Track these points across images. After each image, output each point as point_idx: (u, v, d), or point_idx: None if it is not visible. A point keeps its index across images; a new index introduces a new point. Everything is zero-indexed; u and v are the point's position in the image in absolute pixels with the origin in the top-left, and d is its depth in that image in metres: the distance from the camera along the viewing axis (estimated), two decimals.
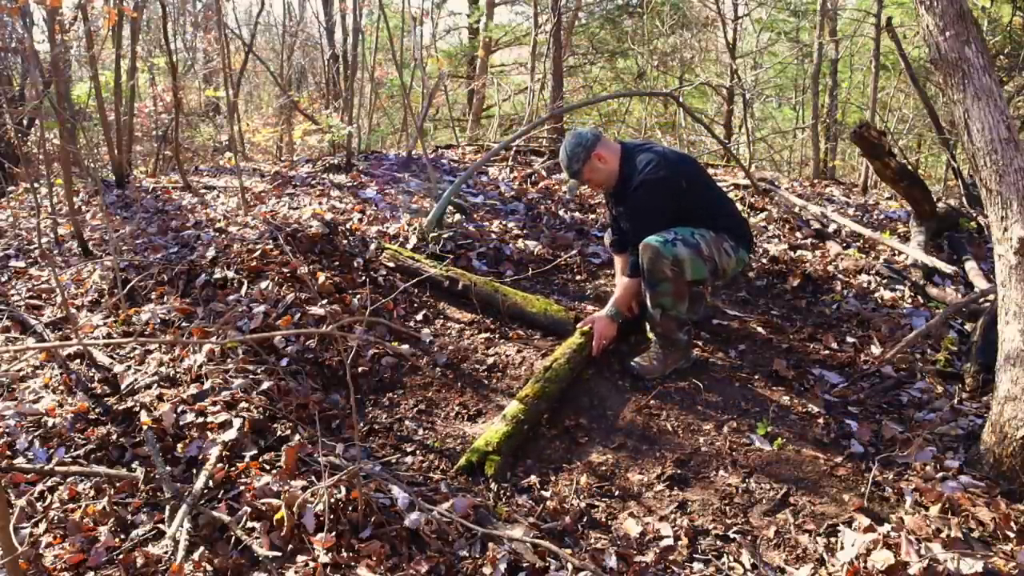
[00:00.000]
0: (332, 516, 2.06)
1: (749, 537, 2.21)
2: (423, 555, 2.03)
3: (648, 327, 3.08)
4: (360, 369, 3.05)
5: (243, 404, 2.62)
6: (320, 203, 4.82)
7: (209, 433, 2.46)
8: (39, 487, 2.28)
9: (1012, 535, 2.13)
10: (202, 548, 1.98)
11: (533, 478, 2.46)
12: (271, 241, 3.84)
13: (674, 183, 2.95)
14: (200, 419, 2.53)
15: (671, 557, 2.11)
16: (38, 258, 4.03)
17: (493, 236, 4.41)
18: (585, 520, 2.27)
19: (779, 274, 4.02)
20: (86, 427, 2.55)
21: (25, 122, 7.69)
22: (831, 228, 4.69)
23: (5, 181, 6.35)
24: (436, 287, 3.71)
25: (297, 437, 2.51)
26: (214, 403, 2.61)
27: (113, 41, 5.60)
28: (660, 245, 2.85)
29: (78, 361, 2.94)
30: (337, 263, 3.78)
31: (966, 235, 4.59)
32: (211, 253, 3.71)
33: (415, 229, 4.26)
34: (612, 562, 2.06)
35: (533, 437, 2.68)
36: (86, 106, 7.26)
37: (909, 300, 3.75)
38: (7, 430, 2.50)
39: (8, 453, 2.43)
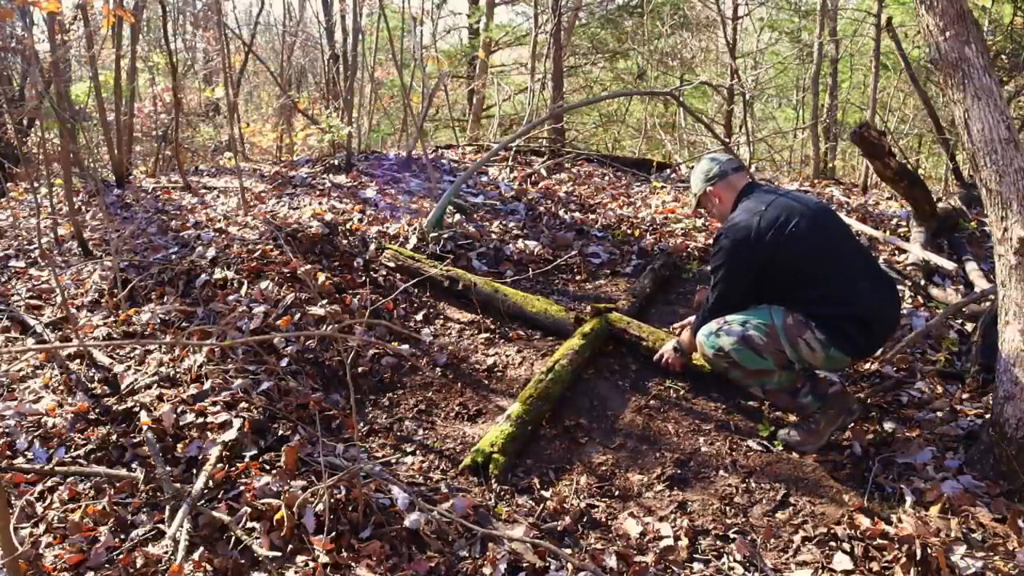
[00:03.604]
0: (332, 516, 2.06)
1: (749, 537, 2.21)
2: (423, 555, 2.03)
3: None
4: (360, 369, 3.05)
5: (243, 404, 2.62)
6: (320, 203, 4.82)
7: (209, 433, 2.46)
8: (39, 487, 2.28)
9: (1012, 535, 2.13)
10: (202, 548, 1.98)
11: (533, 478, 2.46)
12: (271, 241, 3.84)
13: (754, 243, 2.49)
14: (200, 419, 2.53)
15: (671, 557, 2.11)
16: (38, 258, 4.02)
17: (493, 236, 4.41)
18: (585, 520, 2.27)
19: None
20: (86, 427, 2.55)
21: (25, 122, 7.68)
22: None
23: (5, 181, 6.35)
24: (436, 287, 3.71)
25: (297, 437, 2.51)
26: (214, 403, 2.61)
27: (113, 41, 5.60)
28: (704, 339, 2.60)
29: (78, 361, 2.94)
30: (337, 263, 3.78)
31: (966, 235, 4.59)
32: (211, 253, 3.71)
33: (415, 229, 4.26)
34: (612, 562, 2.06)
35: (533, 437, 2.68)
36: (86, 106, 7.26)
37: (909, 300, 3.75)
38: (7, 430, 2.50)
39: (8, 453, 2.43)
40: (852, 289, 2.48)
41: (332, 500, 2.09)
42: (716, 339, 2.57)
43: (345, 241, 4.01)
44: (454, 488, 2.37)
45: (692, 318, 2.99)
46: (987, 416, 2.55)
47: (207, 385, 2.71)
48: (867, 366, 3.14)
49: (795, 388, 2.57)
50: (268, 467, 2.35)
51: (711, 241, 2.64)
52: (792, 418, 2.77)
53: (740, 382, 2.66)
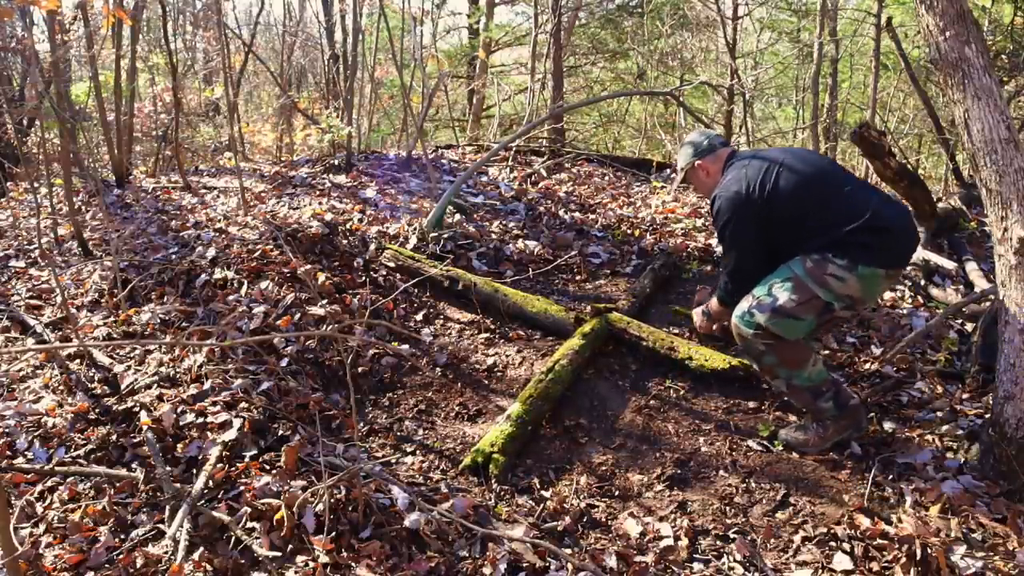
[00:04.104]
0: (332, 516, 2.06)
1: (749, 537, 2.21)
2: (423, 555, 2.03)
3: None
4: (360, 369, 3.05)
5: (243, 404, 2.62)
6: (320, 203, 4.82)
7: (209, 433, 2.46)
8: (39, 487, 2.28)
9: (1012, 535, 2.13)
10: (202, 548, 1.98)
11: (533, 478, 2.46)
12: (271, 241, 3.84)
13: (747, 199, 2.53)
14: (200, 419, 2.53)
15: (671, 557, 2.11)
16: (38, 258, 4.02)
17: (493, 236, 4.41)
18: (585, 520, 2.27)
19: None
20: (86, 427, 2.55)
21: (25, 122, 7.68)
22: None
23: (5, 181, 6.35)
24: (436, 287, 3.71)
25: (297, 437, 2.51)
26: (214, 403, 2.61)
27: (113, 41, 5.60)
28: (739, 321, 2.55)
29: (78, 361, 2.94)
30: (337, 263, 3.78)
31: (966, 235, 4.59)
32: (211, 253, 3.71)
33: (415, 229, 4.26)
34: (612, 562, 2.06)
35: (533, 437, 2.68)
36: (86, 106, 7.26)
37: (909, 300, 3.75)
38: (7, 430, 2.50)
39: (8, 453, 2.43)
40: (855, 204, 2.46)
41: (332, 500, 2.09)
42: (751, 318, 2.50)
43: (345, 241, 4.01)
44: (454, 488, 2.37)
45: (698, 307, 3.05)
46: (987, 416, 2.55)
47: (207, 385, 2.71)
48: (867, 366, 3.14)
49: (820, 390, 2.54)
50: (268, 467, 2.35)
51: (709, 209, 2.65)
52: (792, 418, 2.78)
53: (770, 372, 2.60)
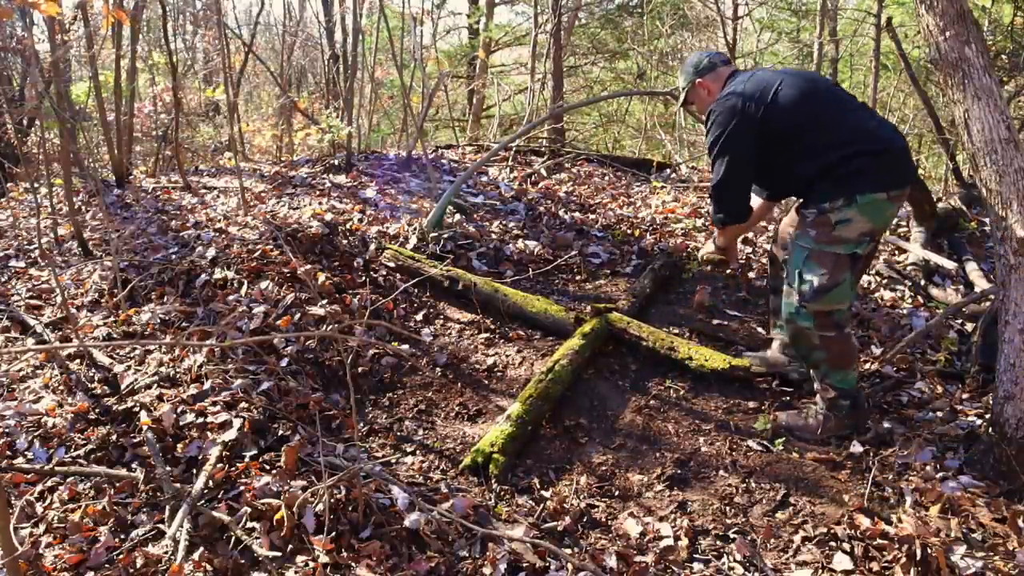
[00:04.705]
0: (332, 516, 2.06)
1: (749, 537, 2.21)
2: (423, 555, 2.03)
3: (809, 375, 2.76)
4: (360, 369, 3.05)
5: (243, 404, 2.62)
6: (320, 203, 4.82)
7: (209, 433, 2.46)
8: (39, 487, 2.28)
9: (1012, 535, 2.13)
10: (202, 548, 1.98)
11: (533, 478, 2.46)
12: (271, 241, 3.84)
13: (743, 111, 2.48)
14: (200, 419, 2.53)
15: (671, 557, 2.11)
16: (38, 258, 4.02)
17: (493, 236, 4.41)
18: (585, 520, 2.27)
19: None
20: (86, 427, 2.55)
21: (25, 122, 7.68)
22: None
23: (5, 181, 6.35)
24: (436, 287, 3.71)
25: (297, 437, 2.51)
26: (214, 403, 2.61)
27: (113, 41, 5.60)
28: (795, 319, 2.55)
29: (78, 361, 2.94)
30: (337, 263, 3.78)
31: (966, 235, 4.59)
32: (211, 253, 3.71)
33: (415, 229, 4.26)
34: (612, 562, 2.06)
35: (533, 437, 2.68)
36: (86, 106, 7.26)
37: (909, 300, 3.75)
38: (7, 430, 2.50)
39: (8, 453, 2.43)
40: (852, 126, 2.44)
41: (332, 500, 2.09)
42: (804, 311, 2.51)
43: (345, 241, 4.01)
44: (454, 488, 2.37)
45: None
46: (987, 416, 2.55)
47: (207, 385, 2.71)
48: (867, 366, 3.14)
49: (848, 393, 2.60)
50: (268, 467, 2.35)
51: (704, 121, 2.65)
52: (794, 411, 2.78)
53: (815, 367, 2.62)
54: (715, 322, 3.52)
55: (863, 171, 2.39)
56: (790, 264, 2.59)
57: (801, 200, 2.61)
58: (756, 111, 2.48)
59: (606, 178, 6.22)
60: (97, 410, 2.62)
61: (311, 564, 1.94)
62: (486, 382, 3.08)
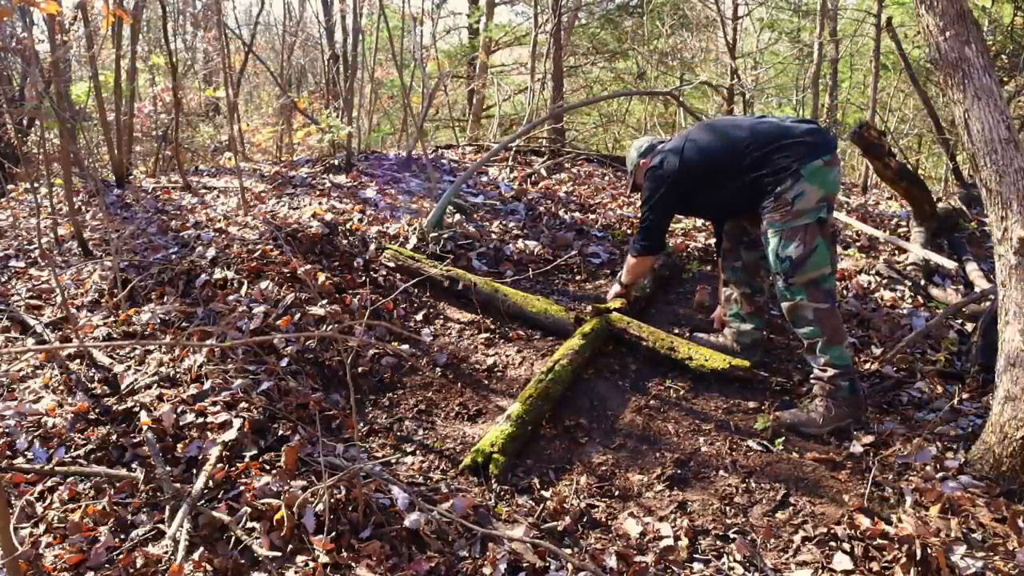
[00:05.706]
0: (332, 516, 2.06)
1: (749, 537, 2.21)
2: (423, 555, 2.03)
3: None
4: (360, 369, 3.05)
5: (243, 404, 2.62)
6: (320, 203, 4.82)
7: (209, 433, 2.46)
8: (39, 487, 2.28)
9: (1012, 535, 2.13)
10: (202, 548, 1.98)
11: (533, 478, 2.46)
12: (271, 241, 3.84)
13: (667, 176, 2.96)
14: (200, 419, 2.53)
15: (671, 557, 2.11)
16: (38, 258, 4.02)
17: (493, 236, 4.41)
18: (585, 520, 2.27)
19: None
20: (86, 427, 2.55)
21: (25, 122, 7.68)
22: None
23: (5, 181, 6.35)
24: (436, 287, 3.71)
25: (297, 437, 2.51)
26: (214, 403, 2.61)
27: (113, 41, 5.60)
28: (788, 296, 2.73)
29: (78, 361, 2.94)
30: (337, 263, 3.78)
31: (966, 235, 4.59)
32: (211, 253, 3.71)
33: (415, 229, 4.26)
34: (612, 562, 2.06)
35: (533, 437, 2.68)
36: (86, 106, 7.26)
37: (909, 300, 3.75)
38: (7, 430, 2.50)
39: (8, 453, 2.43)
40: (762, 132, 2.77)
41: (332, 500, 2.09)
42: (792, 286, 2.70)
43: (345, 241, 4.01)
44: (454, 488, 2.37)
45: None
46: (987, 416, 2.55)
47: (207, 385, 2.71)
48: (867, 366, 3.14)
49: (845, 371, 2.72)
50: (268, 467, 2.35)
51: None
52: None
53: (811, 348, 2.76)
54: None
55: (790, 152, 2.68)
56: (767, 253, 2.78)
57: (753, 206, 2.83)
58: (677, 169, 2.93)
59: (606, 178, 6.22)
60: (97, 410, 2.62)
61: (311, 564, 1.94)
62: (486, 382, 3.08)
